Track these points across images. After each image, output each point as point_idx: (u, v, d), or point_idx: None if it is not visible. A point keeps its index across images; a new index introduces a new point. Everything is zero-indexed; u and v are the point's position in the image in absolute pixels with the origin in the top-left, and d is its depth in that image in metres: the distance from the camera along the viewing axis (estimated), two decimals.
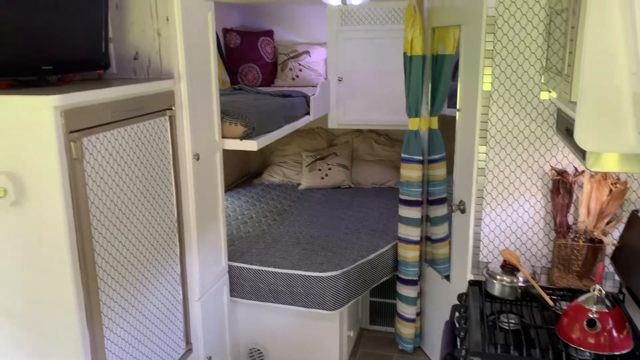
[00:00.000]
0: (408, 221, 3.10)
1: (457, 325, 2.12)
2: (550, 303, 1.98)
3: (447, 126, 3.09)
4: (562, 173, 2.15)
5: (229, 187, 4.34)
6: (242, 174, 4.81)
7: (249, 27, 4.53)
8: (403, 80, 3.07)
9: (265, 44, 4.36)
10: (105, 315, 1.92)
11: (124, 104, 1.98)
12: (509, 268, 2.10)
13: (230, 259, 3.01)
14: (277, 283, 2.93)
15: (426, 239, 3.24)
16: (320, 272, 2.87)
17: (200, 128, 2.54)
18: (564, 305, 1.99)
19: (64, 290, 1.79)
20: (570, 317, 1.77)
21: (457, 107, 2.65)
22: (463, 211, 2.58)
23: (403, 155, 3.07)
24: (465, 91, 2.54)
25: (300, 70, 4.34)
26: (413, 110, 2.99)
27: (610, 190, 2.07)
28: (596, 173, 2.07)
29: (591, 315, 1.70)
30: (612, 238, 2.14)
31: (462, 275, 2.54)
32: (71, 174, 1.72)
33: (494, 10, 2.11)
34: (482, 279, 2.19)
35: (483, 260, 2.36)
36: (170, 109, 2.31)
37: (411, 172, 3.05)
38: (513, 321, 1.94)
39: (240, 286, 3.01)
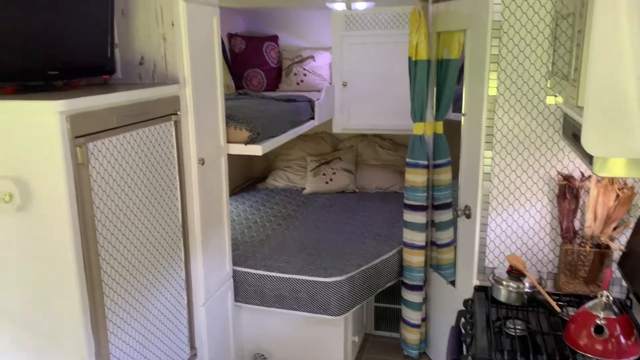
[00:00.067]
0: (413, 226, 3.09)
1: (463, 331, 2.10)
2: (557, 309, 1.97)
3: (452, 131, 3.09)
4: (568, 178, 2.14)
5: (234, 192, 4.34)
6: (246, 178, 4.81)
7: (254, 32, 4.54)
8: (407, 85, 3.06)
9: (270, 49, 4.36)
10: (109, 320, 1.92)
11: (129, 109, 1.98)
12: (515, 273, 2.09)
13: (234, 263, 3.01)
14: (281, 288, 2.92)
15: (431, 244, 3.23)
16: (325, 277, 2.86)
17: (205, 133, 2.55)
18: (571, 311, 1.97)
19: (69, 295, 1.79)
20: (578, 323, 1.75)
21: (462, 111, 2.64)
22: (468, 216, 2.56)
23: (408, 160, 3.06)
24: (471, 96, 2.53)
25: (305, 75, 4.34)
26: (418, 114, 2.99)
27: (617, 196, 2.06)
28: (603, 178, 2.06)
29: (599, 322, 1.69)
30: (619, 244, 2.13)
31: (468, 281, 2.53)
32: (77, 178, 1.72)
33: (499, 15, 2.11)
34: (488, 284, 2.17)
35: (489, 266, 2.34)
36: (176, 113, 2.31)
37: (416, 177, 3.04)
38: (519, 327, 1.92)
39: (244, 291, 3.00)
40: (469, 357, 1.82)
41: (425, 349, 3.37)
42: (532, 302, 2.06)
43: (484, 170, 2.27)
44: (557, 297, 2.08)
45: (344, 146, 4.64)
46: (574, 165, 2.17)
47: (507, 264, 2.19)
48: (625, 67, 1.22)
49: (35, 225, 1.75)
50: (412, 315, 3.22)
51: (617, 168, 1.38)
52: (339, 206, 4.00)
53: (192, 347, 2.57)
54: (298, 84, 4.36)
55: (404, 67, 3.08)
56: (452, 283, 2.91)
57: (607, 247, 2.10)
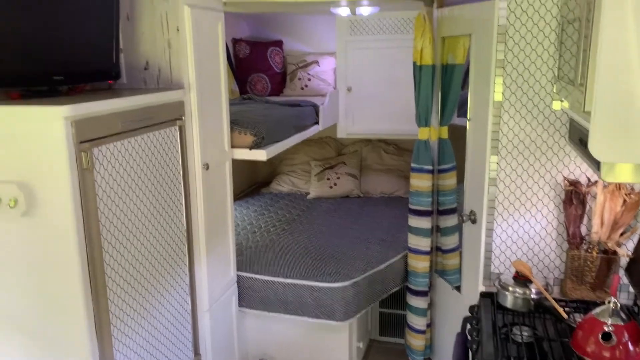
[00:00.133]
0: (418, 231, 3.07)
1: (469, 337, 2.09)
2: (564, 315, 1.95)
3: (457, 135, 3.08)
4: (574, 183, 2.13)
5: (238, 197, 4.34)
6: (250, 183, 4.81)
7: (259, 37, 4.55)
8: (412, 90, 3.06)
9: (275, 54, 4.37)
10: (114, 325, 1.91)
11: (134, 114, 1.98)
12: (522, 279, 2.08)
13: (239, 269, 3.00)
14: (286, 293, 2.91)
15: (436, 250, 3.21)
16: (330, 282, 2.85)
17: (209, 138, 2.54)
18: (578, 317, 1.96)
19: (73, 301, 1.78)
20: (585, 330, 1.74)
21: (468, 116, 2.63)
22: (474, 221, 2.55)
23: (413, 165, 3.05)
24: (476, 101, 2.52)
25: (309, 79, 4.34)
26: (423, 119, 2.98)
27: (624, 201, 2.04)
28: (609, 183, 2.05)
29: (606, 329, 1.67)
30: (626, 249, 2.11)
31: (473, 287, 2.51)
32: (81, 184, 1.72)
33: (505, 20, 2.10)
34: (494, 290, 2.16)
35: (495, 272, 2.33)
36: (180, 118, 2.31)
37: (421, 182, 3.03)
38: (526, 333, 1.91)
39: (248, 296, 2.99)
40: None
41: (430, 355, 3.35)
42: (538, 308, 2.04)
43: (489, 175, 2.26)
44: (564, 303, 2.07)
45: (348, 151, 4.64)
46: (581, 171, 2.16)
47: (513, 270, 2.18)
48: (632, 72, 1.21)
49: (39, 231, 1.75)
50: (417, 321, 3.20)
51: (624, 173, 1.37)
52: (343, 211, 3.99)
53: (196, 352, 2.56)
54: (302, 88, 4.36)
55: (409, 72, 3.08)
56: (458, 289, 2.89)
57: (614, 253, 2.09)
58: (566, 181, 2.15)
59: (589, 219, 2.16)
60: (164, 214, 2.23)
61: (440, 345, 3.24)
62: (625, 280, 2.12)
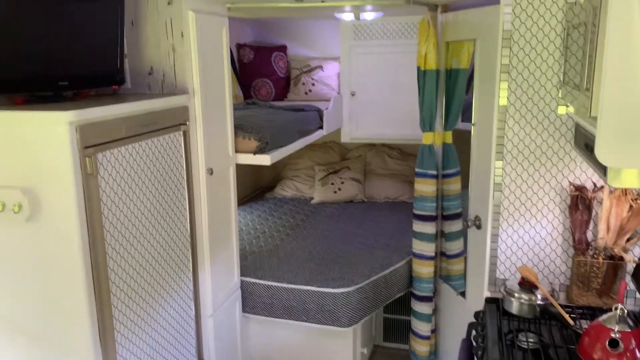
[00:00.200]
0: (422, 236, 3.06)
1: (474, 343, 2.07)
2: (570, 322, 1.94)
3: (461, 140, 3.07)
4: (580, 189, 2.11)
5: (241, 202, 4.34)
6: (254, 188, 4.80)
7: (263, 42, 4.56)
8: (416, 95, 3.05)
9: (279, 59, 4.37)
10: (117, 331, 1.91)
11: (138, 119, 1.98)
12: (527, 285, 2.06)
13: (242, 274, 3.00)
14: (289, 299, 2.90)
15: (441, 255, 3.20)
16: (334, 288, 2.84)
17: (213, 143, 2.54)
18: (584, 324, 1.94)
19: (77, 306, 1.78)
20: (592, 336, 1.72)
21: (472, 121, 2.62)
22: (479, 227, 2.54)
23: (417, 170, 3.04)
24: (481, 105, 2.51)
25: (313, 84, 4.35)
26: (427, 124, 2.97)
27: (631, 207, 2.03)
28: (616, 189, 2.03)
29: (613, 335, 1.66)
30: (632, 255, 2.09)
31: (478, 292, 2.50)
32: (85, 189, 1.72)
33: (510, 24, 2.09)
34: (500, 296, 2.15)
35: (500, 277, 2.31)
36: (184, 123, 2.31)
37: (425, 187, 3.02)
38: (532, 340, 1.89)
39: (252, 302, 2.98)
40: None
41: None
42: (544, 315, 2.03)
43: (494, 180, 2.24)
44: (570, 310, 2.05)
45: (353, 156, 4.63)
46: (586, 176, 2.15)
47: (518, 276, 2.16)
48: (639, 77, 1.20)
49: (44, 236, 1.75)
50: (422, 327, 3.18)
51: (630, 179, 1.36)
52: (347, 216, 3.98)
53: (200, 358, 2.55)
54: (306, 93, 4.37)
55: (413, 76, 3.07)
56: (462, 294, 2.88)
57: (621, 258, 2.07)
58: (572, 186, 2.14)
59: (595, 225, 2.14)
60: (168, 219, 2.22)
61: (445, 351, 3.22)
62: (632, 286, 2.10)
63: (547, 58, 2.09)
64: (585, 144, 1.75)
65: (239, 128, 2.80)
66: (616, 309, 1.70)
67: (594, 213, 2.13)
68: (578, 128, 1.95)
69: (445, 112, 3.04)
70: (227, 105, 2.70)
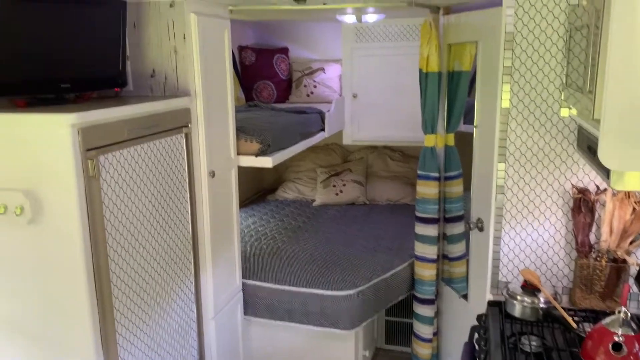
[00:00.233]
0: (424, 239, 3.06)
1: (476, 346, 2.07)
2: (573, 325, 1.93)
3: (463, 142, 3.06)
4: (583, 191, 2.11)
5: (243, 204, 4.33)
6: (256, 190, 4.80)
7: (264, 45, 4.56)
8: (418, 97, 3.05)
9: (280, 61, 4.37)
10: (119, 333, 1.91)
11: (140, 122, 1.98)
12: (530, 288, 2.05)
13: (244, 276, 2.99)
14: (291, 301, 2.89)
15: (443, 257, 3.19)
16: (336, 290, 2.83)
17: (215, 145, 2.54)
18: (587, 327, 1.93)
19: (79, 308, 1.78)
20: (595, 340, 1.71)
21: (475, 123, 2.62)
22: (481, 229, 2.53)
23: (419, 172, 3.04)
24: (483, 108, 2.51)
25: (315, 86, 4.34)
26: (429, 126, 2.97)
27: (634, 209, 2.02)
28: (619, 191, 2.03)
29: (617, 339, 1.65)
30: (636, 258, 2.09)
31: (481, 295, 2.49)
32: (87, 191, 1.72)
33: (512, 27, 2.09)
34: (502, 299, 2.14)
35: (502, 280, 2.31)
36: (186, 126, 2.31)
37: (427, 189, 3.02)
38: (535, 343, 1.88)
39: (254, 304, 2.98)
40: None
41: None
42: (547, 318, 2.02)
43: (497, 183, 2.24)
44: (573, 313, 2.04)
45: (354, 158, 4.63)
46: (589, 178, 2.14)
47: (521, 279, 2.16)
48: None
49: (46, 238, 1.75)
50: (424, 330, 3.17)
51: (634, 181, 1.36)
52: (349, 218, 3.98)
53: None
54: (308, 95, 4.36)
55: (415, 78, 3.07)
56: (464, 297, 2.87)
57: (624, 261, 2.06)
58: (574, 189, 2.13)
59: (598, 227, 2.13)
60: (170, 222, 2.22)
61: (447, 354, 3.21)
62: (635, 289, 2.09)
63: (550, 60, 2.08)
64: (588, 147, 1.75)
65: (240, 130, 2.80)
66: (619, 312, 1.69)
67: (596, 216, 2.12)
68: (581, 130, 1.94)
69: (448, 114, 3.04)
70: (229, 108, 2.70)
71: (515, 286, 2.11)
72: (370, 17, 3.66)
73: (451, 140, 3.06)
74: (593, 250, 2.13)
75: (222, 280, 2.69)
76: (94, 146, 1.73)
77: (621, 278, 2.08)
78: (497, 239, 2.28)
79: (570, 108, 2.06)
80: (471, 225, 2.60)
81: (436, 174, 3.00)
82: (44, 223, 1.73)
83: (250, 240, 3.56)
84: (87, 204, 1.73)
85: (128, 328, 1.96)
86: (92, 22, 2.05)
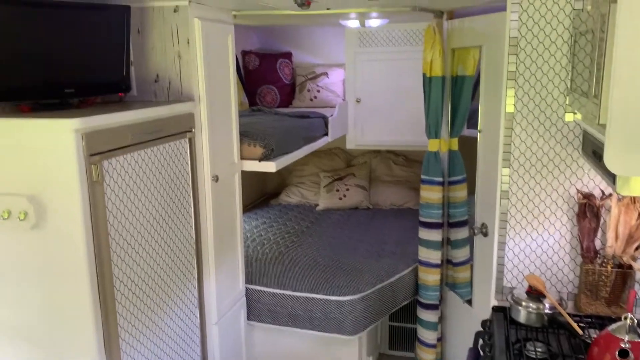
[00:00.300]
0: (428, 244, 3.04)
1: (481, 352, 2.05)
2: (579, 331, 1.91)
3: (467, 147, 3.06)
4: (588, 196, 2.10)
5: (247, 208, 4.33)
6: (259, 194, 4.80)
7: (268, 49, 4.56)
8: (421, 101, 3.05)
9: (284, 66, 4.38)
10: (122, 339, 1.90)
11: (144, 127, 1.98)
12: (535, 294, 2.04)
13: (247, 281, 2.99)
14: (295, 307, 2.88)
15: (447, 262, 3.18)
16: (339, 296, 2.82)
17: (219, 150, 2.54)
18: (593, 333, 1.92)
19: (82, 313, 1.77)
20: (601, 346, 1.70)
21: (479, 128, 2.61)
22: (485, 234, 2.52)
23: (423, 177, 3.03)
24: (487, 112, 2.50)
25: (319, 91, 4.35)
26: (433, 131, 2.96)
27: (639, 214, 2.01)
28: (624, 196, 2.02)
29: (623, 345, 1.63)
30: None
31: (485, 300, 2.48)
32: (91, 197, 1.72)
33: (516, 32, 2.09)
34: (507, 304, 2.13)
35: (507, 285, 2.29)
36: (190, 131, 2.31)
37: (431, 194, 3.01)
38: (540, 349, 1.87)
39: (257, 309, 2.97)
40: None
41: None
42: (552, 324, 2.00)
43: (501, 188, 2.23)
44: (578, 319, 2.03)
45: (358, 162, 4.62)
46: (594, 183, 2.13)
47: (526, 284, 2.14)
48: None
49: (49, 243, 1.74)
50: (428, 335, 3.16)
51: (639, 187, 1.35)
52: (352, 223, 3.97)
53: None
54: (311, 100, 4.36)
55: (418, 83, 3.07)
56: (469, 302, 2.86)
57: (630, 267, 2.05)
58: (580, 194, 2.12)
59: (603, 233, 2.12)
60: (173, 227, 2.22)
61: (451, 359, 3.20)
62: None
63: (554, 65, 2.08)
64: (594, 151, 1.74)
65: (244, 135, 2.80)
66: (625, 318, 1.68)
67: (602, 221, 2.11)
68: (586, 135, 1.93)
69: (451, 119, 3.03)
70: (233, 112, 2.70)
71: (520, 292, 2.10)
72: (374, 22, 3.66)
73: (455, 144, 3.05)
74: (598, 255, 2.11)
75: (225, 285, 2.68)
76: (97, 151, 1.73)
77: (627, 284, 2.07)
78: (502, 244, 2.27)
79: (575, 113, 2.05)
80: (475, 230, 2.59)
81: (440, 179, 2.99)
82: (47, 228, 1.73)
83: (253, 245, 3.55)
84: (91, 209, 1.72)
85: (131, 333, 1.96)
86: (96, 27, 2.05)
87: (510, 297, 2.10)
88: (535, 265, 2.24)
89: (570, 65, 2.02)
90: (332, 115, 3.77)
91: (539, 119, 2.13)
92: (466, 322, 2.86)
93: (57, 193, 1.70)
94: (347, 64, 4.13)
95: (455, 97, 2.99)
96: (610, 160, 1.27)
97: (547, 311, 2.01)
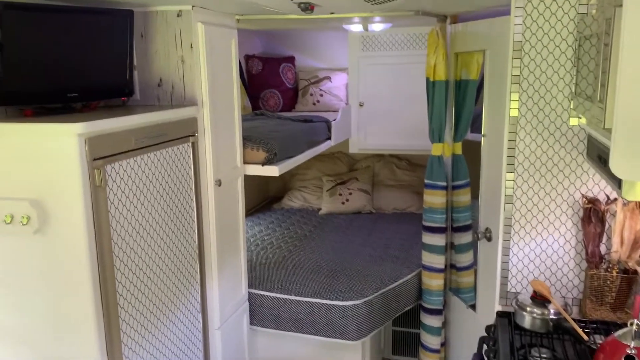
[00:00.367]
0: (432, 248, 3.03)
1: (485, 358, 2.04)
2: (584, 337, 1.90)
3: (470, 151, 3.05)
4: (593, 201, 2.08)
5: (249, 212, 4.32)
6: (262, 198, 4.79)
7: (271, 54, 4.57)
8: (424, 105, 3.04)
9: (287, 70, 4.38)
10: (124, 344, 1.89)
11: (147, 131, 1.98)
12: (540, 299, 2.02)
13: (250, 286, 2.98)
14: (298, 311, 2.87)
15: (451, 267, 3.17)
16: (342, 300, 2.81)
17: (222, 154, 2.54)
18: (598, 339, 1.90)
19: (84, 318, 1.77)
20: (607, 352, 1.68)
21: (482, 132, 2.60)
22: (489, 239, 2.51)
23: (426, 181, 3.02)
24: (491, 117, 2.49)
25: (321, 95, 4.34)
26: (436, 135, 2.95)
27: None
28: (630, 201, 2.00)
29: (629, 352, 1.62)
30: None
31: (489, 305, 2.46)
32: (94, 201, 1.72)
33: (520, 36, 2.08)
34: (511, 309, 2.11)
35: (511, 291, 2.28)
36: (193, 135, 2.31)
37: (435, 198, 3.00)
38: (545, 355, 1.85)
39: (260, 314, 2.96)
40: None
41: None
42: (557, 329, 1.99)
43: (506, 192, 2.22)
44: (583, 324, 2.01)
45: (361, 166, 4.62)
46: (599, 188, 2.12)
47: (530, 289, 2.13)
48: None
49: (52, 248, 1.74)
50: (431, 340, 3.14)
51: None
52: (355, 227, 3.96)
53: None
54: (314, 104, 4.36)
55: (421, 87, 3.06)
56: (472, 307, 2.84)
57: (635, 272, 2.03)
58: (584, 199, 2.11)
59: (609, 238, 2.11)
60: (176, 231, 2.21)
61: None
62: None
63: (559, 69, 2.07)
64: (599, 156, 1.73)
65: (247, 139, 2.80)
66: (631, 324, 1.67)
67: (607, 226, 2.10)
68: (591, 140, 1.92)
69: (455, 123, 3.02)
70: (236, 117, 2.69)
71: (525, 297, 2.09)
72: (377, 26, 3.66)
73: (458, 149, 3.04)
74: (604, 260, 2.10)
75: (228, 290, 2.67)
76: (100, 155, 1.73)
77: (632, 289, 2.05)
78: (506, 249, 2.26)
79: (579, 117, 2.04)
80: (479, 235, 2.58)
81: (443, 183, 2.98)
82: (50, 233, 1.73)
83: (256, 249, 3.54)
84: (94, 214, 1.72)
85: (133, 338, 1.95)
86: (99, 32, 2.05)
87: (515, 303, 2.09)
88: (539, 270, 2.23)
89: (575, 69, 2.01)
90: (335, 120, 3.76)
91: (543, 123, 2.12)
92: (470, 328, 2.85)
93: (60, 197, 1.69)
94: (350, 68, 4.13)
95: (459, 101, 2.98)
96: (616, 164, 1.26)
97: (552, 317, 2.00)
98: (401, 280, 3.07)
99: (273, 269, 3.21)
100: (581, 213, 2.14)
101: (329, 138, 3.69)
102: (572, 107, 2.07)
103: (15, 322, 1.84)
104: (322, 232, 3.85)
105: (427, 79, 2.91)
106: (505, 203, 2.23)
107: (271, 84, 4.34)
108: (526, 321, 2.03)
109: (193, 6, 2.29)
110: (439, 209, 2.99)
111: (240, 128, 2.73)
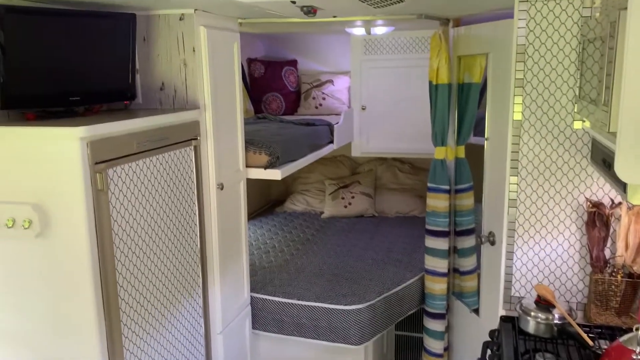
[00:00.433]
0: (435, 252, 3.02)
1: None
2: (589, 342, 1.88)
3: (473, 154, 3.04)
4: (597, 205, 2.07)
5: (251, 216, 4.32)
6: (264, 202, 4.79)
7: (273, 57, 4.57)
8: (427, 109, 3.03)
9: (289, 74, 4.38)
10: (126, 348, 1.89)
11: (149, 135, 1.98)
12: (544, 304, 2.01)
13: (252, 289, 2.97)
14: (300, 316, 2.86)
15: (454, 271, 3.15)
16: (345, 305, 2.80)
17: (224, 157, 2.53)
18: (603, 344, 1.89)
19: (85, 322, 1.76)
20: (612, 358, 1.67)
21: (486, 136, 2.59)
22: (493, 243, 2.50)
23: (429, 185, 3.01)
24: (494, 120, 2.48)
25: (324, 98, 4.34)
26: (439, 139, 2.94)
27: None
28: (635, 205, 1.99)
29: (635, 357, 1.60)
30: None
31: (493, 310, 2.45)
32: (96, 205, 1.71)
33: (524, 39, 2.07)
34: (515, 314, 2.10)
35: (515, 295, 2.27)
36: (195, 138, 2.30)
37: (438, 202, 2.98)
38: None
39: (262, 318, 2.95)
40: None
41: None
42: (562, 334, 1.97)
43: (509, 196, 2.21)
44: (588, 329, 2.00)
45: (363, 170, 4.61)
46: (604, 192, 2.10)
47: (534, 294, 2.12)
48: None
49: (53, 252, 1.73)
50: (435, 345, 3.13)
51: None
52: (358, 231, 3.94)
53: None
54: (317, 107, 4.36)
55: (423, 90, 3.06)
56: (475, 311, 2.82)
57: None
58: (589, 203, 2.09)
59: (613, 242, 2.09)
60: (178, 235, 2.21)
61: None
62: None
63: (562, 72, 2.06)
64: (603, 160, 1.72)
65: (249, 142, 2.79)
66: (637, 329, 1.65)
67: (611, 230, 2.08)
68: (595, 143, 1.91)
69: (458, 126, 3.01)
70: (238, 120, 2.69)
71: (529, 302, 2.07)
72: (380, 30, 3.65)
73: (461, 152, 3.03)
74: (608, 265, 2.08)
75: (230, 294, 2.66)
76: (102, 159, 1.73)
77: (637, 294, 2.03)
78: (510, 253, 2.25)
79: (583, 120, 2.03)
80: (483, 239, 2.57)
81: (446, 187, 2.97)
82: (52, 236, 1.72)
83: (258, 253, 3.53)
84: (95, 218, 1.71)
85: (135, 342, 1.94)
86: (101, 35, 2.05)
87: (519, 307, 2.07)
88: (543, 274, 2.21)
89: (579, 72, 2.00)
90: (337, 123, 3.76)
91: (547, 126, 2.11)
92: (473, 332, 2.83)
93: (62, 201, 1.69)
94: (352, 71, 4.13)
95: (462, 105, 2.97)
96: (621, 168, 1.25)
97: (556, 321, 1.98)
98: (404, 284, 3.06)
99: (275, 272, 3.20)
100: (585, 217, 2.13)
101: (332, 141, 3.69)
102: (575, 110, 2.06)
103: (17, 325, 1.84)
104: (324, 236, 3.84)
105: (430, 83, 2.90)
106: (509, 207, 2.22)
107: (273, 87, 4.34)
108: (530, 326, 2.01)
109: (195, 10, 2.29)
110: (442, 213, 2.98)
111: (242, 131, 2.73)
